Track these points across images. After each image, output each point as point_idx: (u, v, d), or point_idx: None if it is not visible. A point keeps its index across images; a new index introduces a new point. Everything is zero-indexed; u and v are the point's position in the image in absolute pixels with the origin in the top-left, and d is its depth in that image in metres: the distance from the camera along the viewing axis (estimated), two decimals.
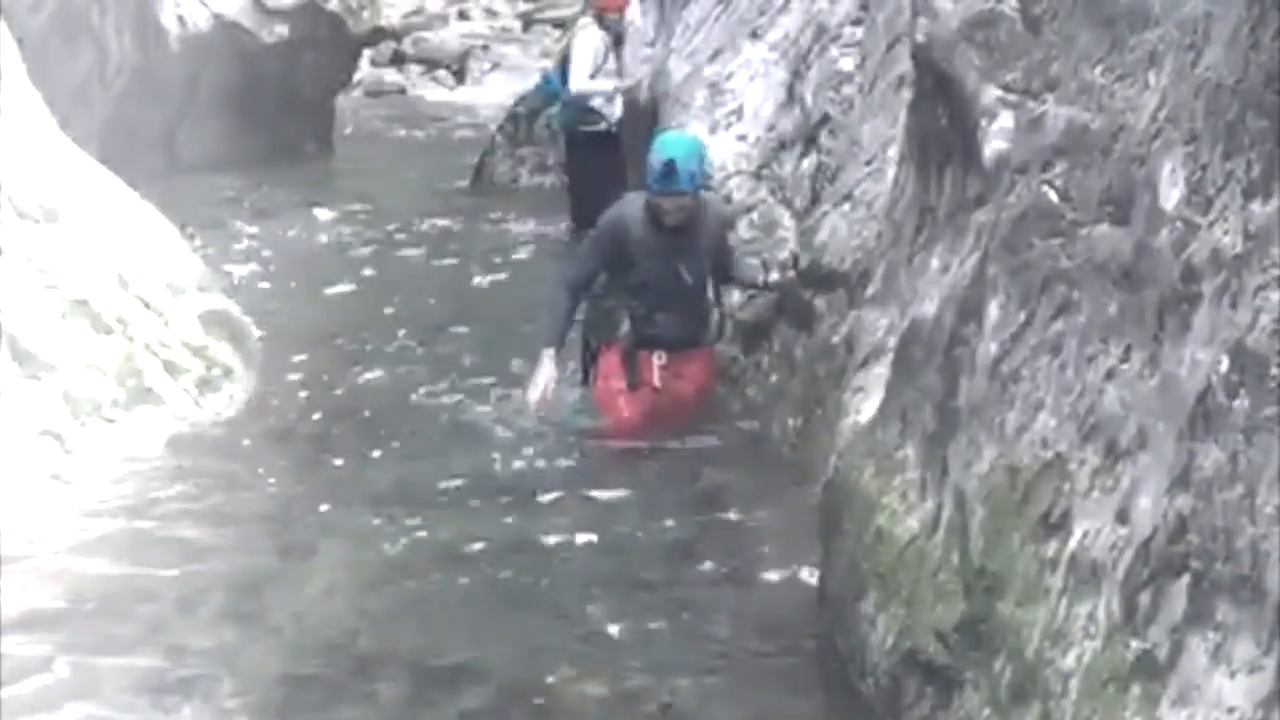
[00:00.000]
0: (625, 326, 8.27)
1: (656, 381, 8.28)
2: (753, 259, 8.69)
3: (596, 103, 12.90)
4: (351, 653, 6.00)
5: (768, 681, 5.52)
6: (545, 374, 8.23)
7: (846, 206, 8.30)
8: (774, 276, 8.50)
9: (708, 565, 6.67)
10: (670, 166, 8.01)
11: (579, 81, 12.88)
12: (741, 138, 10.37)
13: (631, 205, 8.30)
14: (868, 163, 8.38)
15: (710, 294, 8.46)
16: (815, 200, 9.01)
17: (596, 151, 12.98)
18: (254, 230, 14.21)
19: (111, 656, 5.94)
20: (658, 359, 8.27)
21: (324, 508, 7.48)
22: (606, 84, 12.91)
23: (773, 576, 6.42)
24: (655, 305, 8.21)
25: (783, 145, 9.84)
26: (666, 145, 8.29)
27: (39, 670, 5.78)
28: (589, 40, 13.04)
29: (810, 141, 9.49)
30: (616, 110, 12.80)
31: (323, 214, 15.32)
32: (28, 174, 8.89)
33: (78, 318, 8.34)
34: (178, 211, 10.65)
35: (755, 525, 6.88)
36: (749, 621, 6.03)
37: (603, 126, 12.89)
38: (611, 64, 12.98)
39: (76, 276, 8.55)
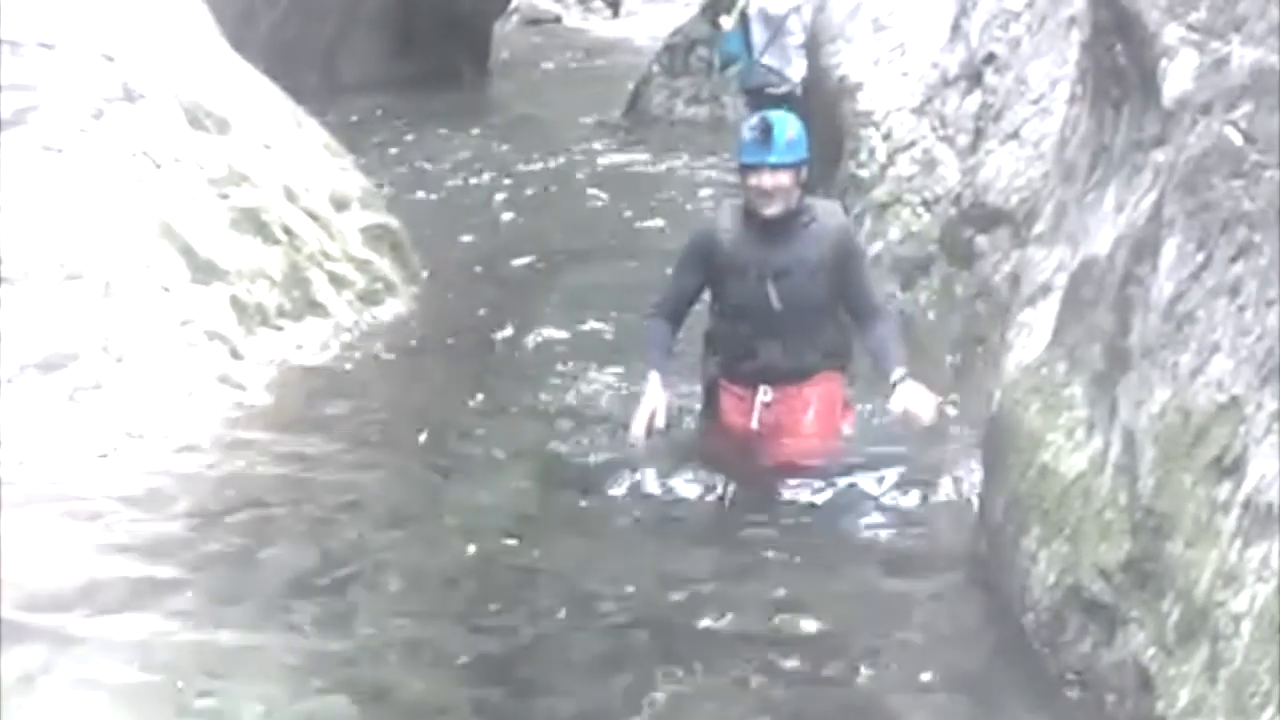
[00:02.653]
0: (716, 356, 7.02)
1: (755, 422, 6.92)
2: (891, 347, 6.85)
3: (778, 64, 12.43)
4: (506, 563, 6.10)
5: (925, 615, 5.52)
6: (650, 402, 6.84)
7: (1013, 145, 8.25)
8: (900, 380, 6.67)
9: (863, 499, 6.66)
10: (765, 129, 6.68)
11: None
12: (904, 74, 10.33)
13: (725, 211, 7.00)
14: (1035, 101, 8.32)
15: (833, 315, 6.99)
16: (979, 138, 8.95)
17: None
18: (413, 150, 14.38)
19: (270, 558, 6.08)
20: (761, 395, 6.90)
21: (482, 422, 7.62)
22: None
23: (931, 511, 6.42)
24: (755, 331, 6.84)
25: (946, 82, 9.78)
26: (763, 115, 6.91)
27: (201, 567, 5.93)
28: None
29: (975, 79, 9.42)
30: (800, 70, 12.30)
31: (479, 137, 15.47)
32: (200, 86, 9.06)
33: (247, 228, 8.52)
34: (338, 129, 10.79)
35: (912, 459, 6.86)
36: (906, 555, 6.03)
37: (785, 88, 12.27)
38: (792, 26, 12.45)
39: (246, 187, 8.72)
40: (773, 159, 6.66)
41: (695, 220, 11.32)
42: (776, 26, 12.29)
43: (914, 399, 6.59)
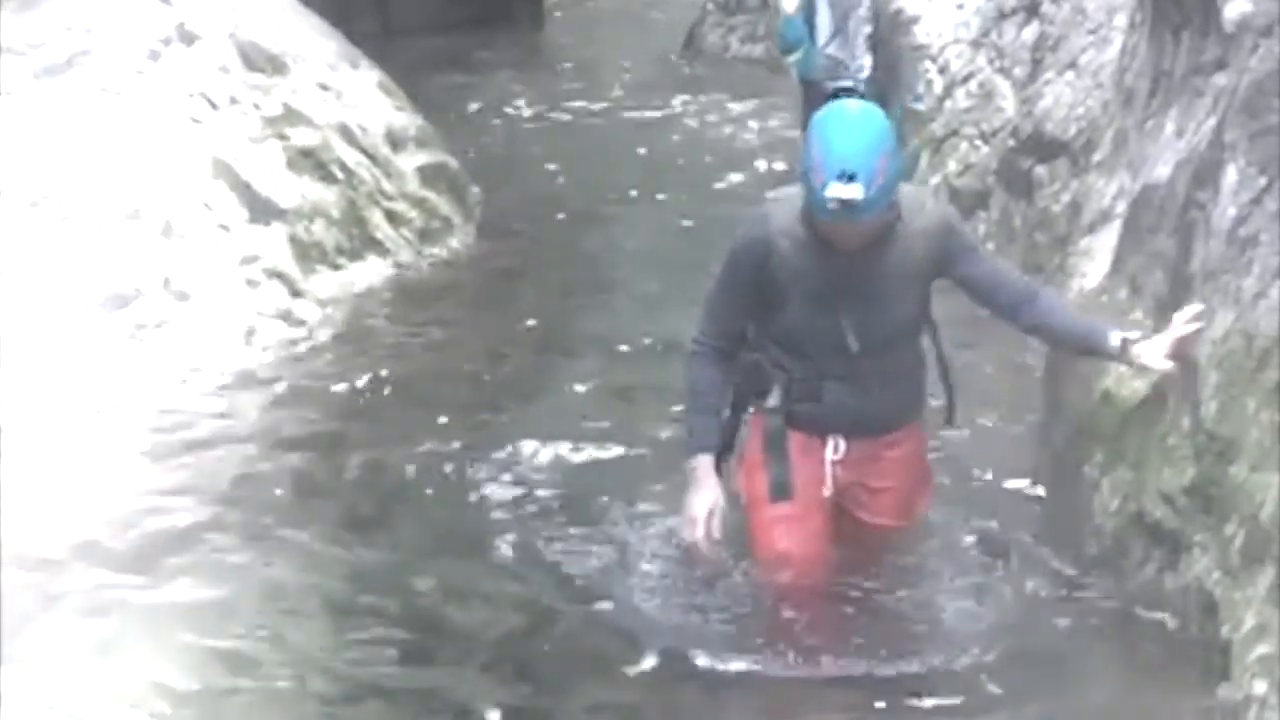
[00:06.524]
0: (775, 396, 5.08)
1: (828, 484, 5.09)
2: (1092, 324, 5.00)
3: (843, 56, 10.60)
4: (558, 486, 6.22)
5: (991, 544, 5.50)
6: (704, 500, 5.05)
7: (1070, 75, 8.21)
8: (1133, 337, 4.81)
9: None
10: (849, 193, 4.69)
11: None
12: (960, 6, 10.28)
13: (780, 214, 4.97)
14: (1092, 31, 8.27)
15: (925, 343, 5.18)
16: (1036, 69, 8.91)
17: None
18: (468, 93, 14.39)
19: (325, 493, 6.26)
20: (832, 450, 5.08)
21: (536, 355, 7.75)
22: None
23: (993, 438, 6.39)
24: (822, 370, 5.00)
25: (1003, 14, 9.74)
26: (839, 142, 4.75)
27: (257, 501, 6.09)
28: None
29: (1032, 10, 9.37)
30: (868, 65, 10.60)
31: (535, 79, 15.43)
32: (256, 27, 9.09)
33: (304, 167, 8.59)
34: (393, 72, 10.79)
35: (974, 387, 6.82)
36: (970, 480, 6.01)
37: (847, 83, 10.97)
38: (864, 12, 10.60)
39: (303, 127, 8.77)
40: (864, 217, 4.79)
41: (742, 197, 10.77)
42: (845, 12, 10.64)
43: (1166, 350, 4.73)
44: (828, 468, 5.06)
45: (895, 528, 5.20)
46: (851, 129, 4.80)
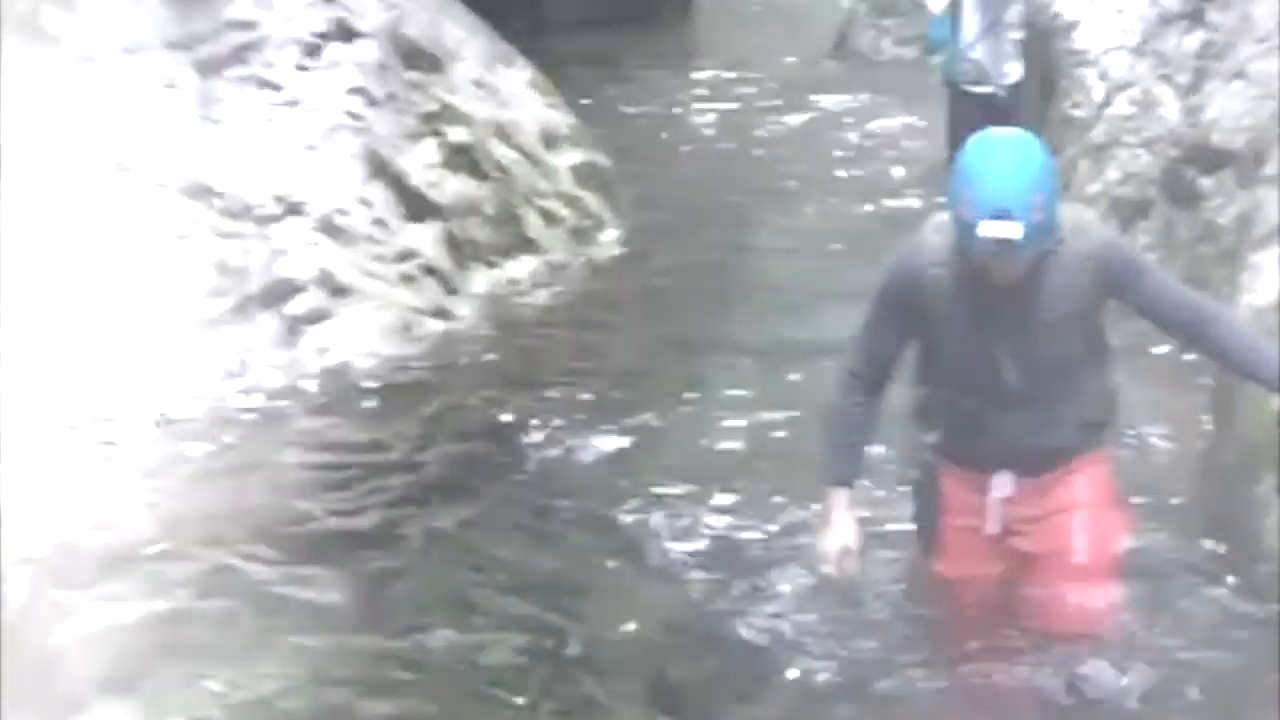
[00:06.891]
0: (934, 432, 4.89)
1: (991, 522, 4.83)
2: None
3: (988, 61, 10.29)
4: (698, 500, 6.10)
5: (1152, 563, 5.38)
6: (836, 537, 4.88)
7: (1238, 84, 8.04)
8: None
9: None
10: (1006, 232, 4.39)
11: None
12: (1120, 11, 10.11)
13: (934, 243, 4.68)
14: (1261, 40, 8.11)
15: (1096, 367, 4.78)
16: (1200, 77, 8.74)
17: (980, 116, 9.25)
18: (616, 89, 14.42)
19: (467, 490, 6.33)
20: (996, 488, 4.80)
21: (684, 359, 7.73)
22: None
23: (1157, 458, 6.27)
24: (986, 404, 4.71)
25: (1165, 20, 9.57)
26: (992, 177, 4.43)
27: (400, 498, 6.23)
28: None
29: (1196, 17, 9.21)
30: (1015, 71, 10.31)
31: (682, 77, 15.46)
32: (415, 25, 9.16)
33: (459, 165, 8.66)
34: (543, 68, 10.84)
35: (1135, 406, 6.71)
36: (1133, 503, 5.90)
37: (990, 89, 10.21)
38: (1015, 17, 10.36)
39: (458, 125, 8.83)
40: (1022, 255, 4.47)
41: (891, 203, 10.73)
42: (995, 16, 10.33)
43: None
44: (992, 506, 4.79)
45: (1067, 565, 4.80)
46: (1006, 162, 4.45)
